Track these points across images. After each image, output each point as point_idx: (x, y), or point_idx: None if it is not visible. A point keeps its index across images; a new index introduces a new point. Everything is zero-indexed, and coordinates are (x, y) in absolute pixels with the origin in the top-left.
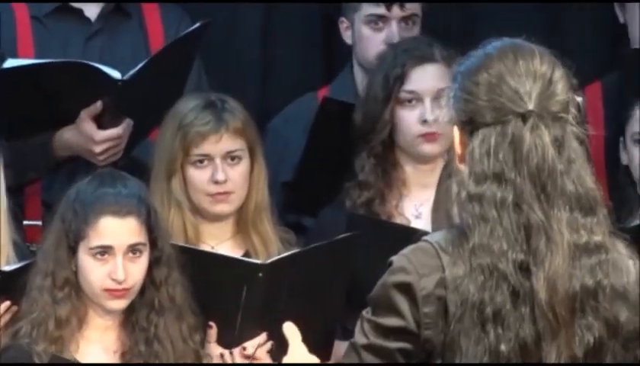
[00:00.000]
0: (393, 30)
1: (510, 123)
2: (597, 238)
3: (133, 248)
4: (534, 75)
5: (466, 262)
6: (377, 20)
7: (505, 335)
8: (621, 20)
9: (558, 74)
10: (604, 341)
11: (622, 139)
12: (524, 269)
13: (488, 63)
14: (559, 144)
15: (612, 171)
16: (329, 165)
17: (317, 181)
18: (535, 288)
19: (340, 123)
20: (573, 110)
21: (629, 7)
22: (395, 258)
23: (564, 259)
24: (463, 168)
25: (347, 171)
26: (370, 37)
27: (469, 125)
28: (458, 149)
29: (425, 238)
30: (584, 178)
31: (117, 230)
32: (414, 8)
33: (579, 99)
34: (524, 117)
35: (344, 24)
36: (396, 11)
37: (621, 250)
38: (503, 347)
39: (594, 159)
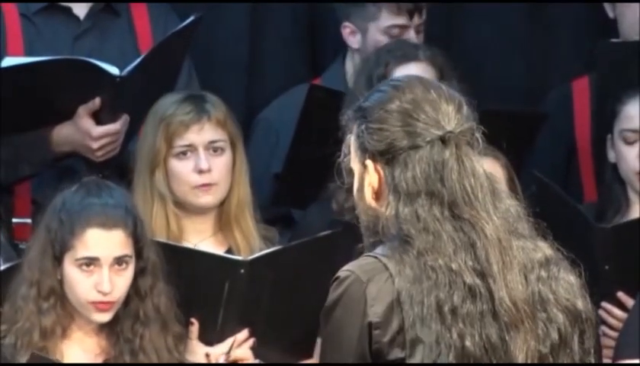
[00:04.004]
0: (412, 38)
1: (430, 145)
2: (539, 242)
3: (119, 260)
4: (447, 99)
5: (414, 265)
6: (398, 31)
7: (468, 330)
8: (610, 15)
9: (465, 104)
10: (568, 332)
11: (609, 136)
12: (477, 272)
13: (398, 94)
14: (479, 164)
15: (600, 166)
16: (319, 155)
17: (307, 171)
18: (492, 288)
19: (329, 112)
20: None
21: (619, 3)
22: (339, 272)
23: (516, 259)
24: (374, 204)
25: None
26: None
27: (388, 153)
28: (374, 184)
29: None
30: (507, 195)
31: (104, 242)
32: (425, 13)
33: (479, 136)
34: (443, 139)
35: (347, 28)
36: (415, 19)
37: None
38: (468, 343)
39: (581, 155)
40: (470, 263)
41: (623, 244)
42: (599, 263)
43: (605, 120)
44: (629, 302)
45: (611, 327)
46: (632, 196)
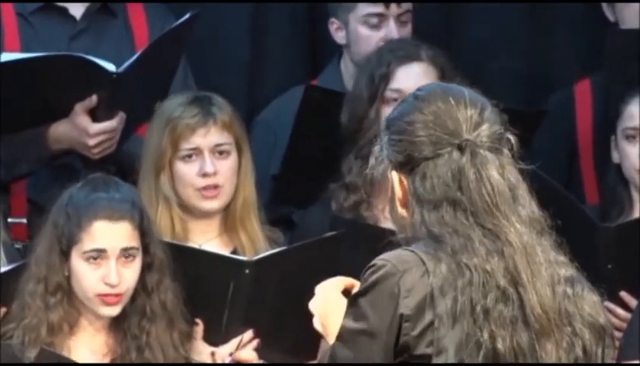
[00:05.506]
0: (392, 28)
1: (448, 154)
2: (560, 257)
3: (126, 252)
4: (465, 108)
5: (450, 262)
6: (375, 19)
7: (499, 332)
8: (611, 18)
9: (489, 108)
10: (592, 349)
11: (613, 137)
12: (507, 278)
13: (420, 105)
14: (499, 171)
15: (601, 169)
16: (317, 156)
17: (303, 171)
18: (522, 296)
19: (325, 112)
20: (506, 144)
21: (619, 6)
22: (375, 260)
23: (543, 266)
24: (405, 213)
25: (336, 162)
26: (369, 36)
27: (408, 164)
28: (399, 193)
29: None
30: (529, 201)
31: (111, 234)
32: (408, 4)
33: (511, 137)
34: (461, 146)
35: (334, 25)
36: (394, 8)
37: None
38: (499, 345)
39: (583, 157)
40: (502, 267)
41: (627, 243)
42: (602, 262)
43: (608, 120)
44: (632, 302)
45: (614, 327)
46: (635, 196)
